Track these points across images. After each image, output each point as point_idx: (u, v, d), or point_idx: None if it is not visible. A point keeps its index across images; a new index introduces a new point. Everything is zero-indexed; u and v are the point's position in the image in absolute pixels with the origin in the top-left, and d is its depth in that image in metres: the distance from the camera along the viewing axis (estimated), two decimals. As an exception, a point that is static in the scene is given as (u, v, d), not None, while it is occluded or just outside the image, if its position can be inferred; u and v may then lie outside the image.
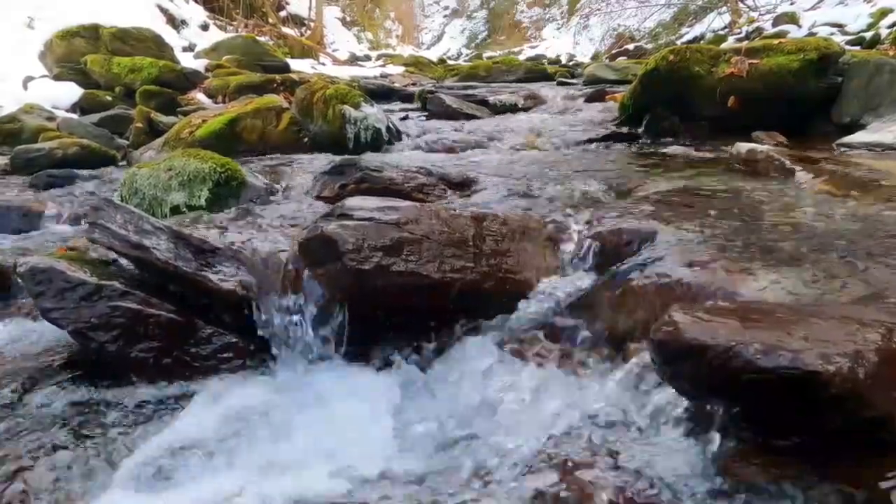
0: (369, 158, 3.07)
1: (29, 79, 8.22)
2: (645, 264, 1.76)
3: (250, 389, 1.78)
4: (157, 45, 9.07)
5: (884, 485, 0.98)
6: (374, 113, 4.39)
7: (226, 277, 1.94)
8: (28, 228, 3.13)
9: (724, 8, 15.91)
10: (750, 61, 3.72)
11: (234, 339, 1.88)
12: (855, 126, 3.43)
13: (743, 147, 2.85)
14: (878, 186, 2.21)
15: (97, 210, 1.95)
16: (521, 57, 20.69)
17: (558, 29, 34.70)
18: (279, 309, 1.90)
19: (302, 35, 18.87)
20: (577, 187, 2.61)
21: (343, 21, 24.62)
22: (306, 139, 4.40)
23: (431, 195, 2.66)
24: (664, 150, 3.54)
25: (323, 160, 3.50)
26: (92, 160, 4.26)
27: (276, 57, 10.81)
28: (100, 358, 1.80)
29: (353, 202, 1.95)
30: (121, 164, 4.47)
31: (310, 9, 20.07)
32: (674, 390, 1.27)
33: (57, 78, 8.17)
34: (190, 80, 7.81)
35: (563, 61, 20.06)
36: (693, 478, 1.17)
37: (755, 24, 13.06)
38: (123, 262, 1.99)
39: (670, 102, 4.02)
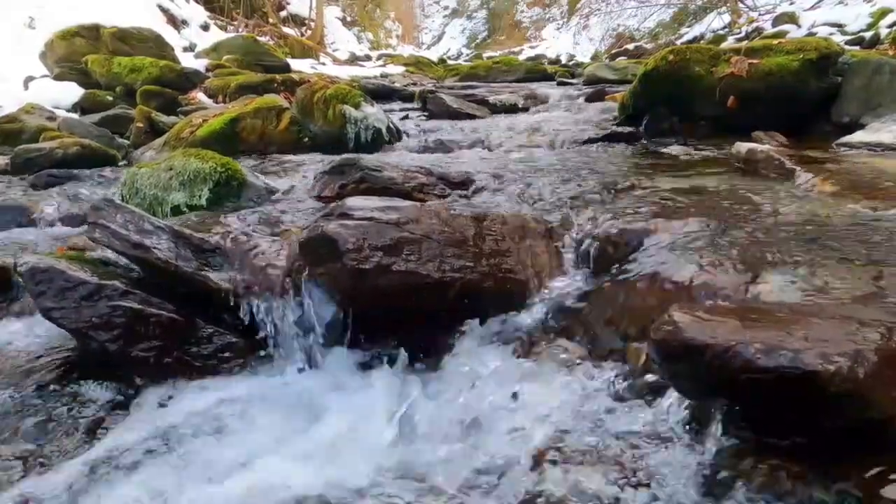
0: (369, 158, 3.06)
1: (30, 79, 8.23)
2: (645, 264, 1.76)
3: (250, 389, 1.78)
4: (157, 45, 9.08)
5: (884, 484, 0.98)
6: (374, 113, 4.38)
7: (226, 277, 1.94)
8: (28, 228, 3.13)
9: (724, 8, 15.92)
10: (750, 61, 3.72)
11: (235, 339, 1.88)
12: (854, 126, 3.43)
13: (743, 147, 2.85)
14: (878, 186, 2.22)
15: (98, 209, 1.96)
16: (521, 57, 20.68)
17: (558, 29, 34.70)
18: (279, 309, 1.90)
19: (302, 35, 18.87)
20: (577, 187, 2.61)
21: (343, 21, 24.61)
22: (306, 139, 4.40)
23: (431, 195, 2.66)
24: (664, 150, 3.54)
25: (323, 160, 3.50)
26: (92, 160, 4.26)
27: (276, 57, 10.81)
28: (100, 357, 1.81)
29: (353, 202, 1.95)
30: (121, 163, 4.47)
31: (310, 9, 20.06)
32: (674, 390, 1.28)
33: (58, 78, 8.17)
34: (190, 79, 7.81)
35: (563, 61, 20.07)
36: (693, 477, 1.17)
37: (755, 24, 13.07)
38: (124, 261, 1.99)
39: (670, 102, 4.02)
